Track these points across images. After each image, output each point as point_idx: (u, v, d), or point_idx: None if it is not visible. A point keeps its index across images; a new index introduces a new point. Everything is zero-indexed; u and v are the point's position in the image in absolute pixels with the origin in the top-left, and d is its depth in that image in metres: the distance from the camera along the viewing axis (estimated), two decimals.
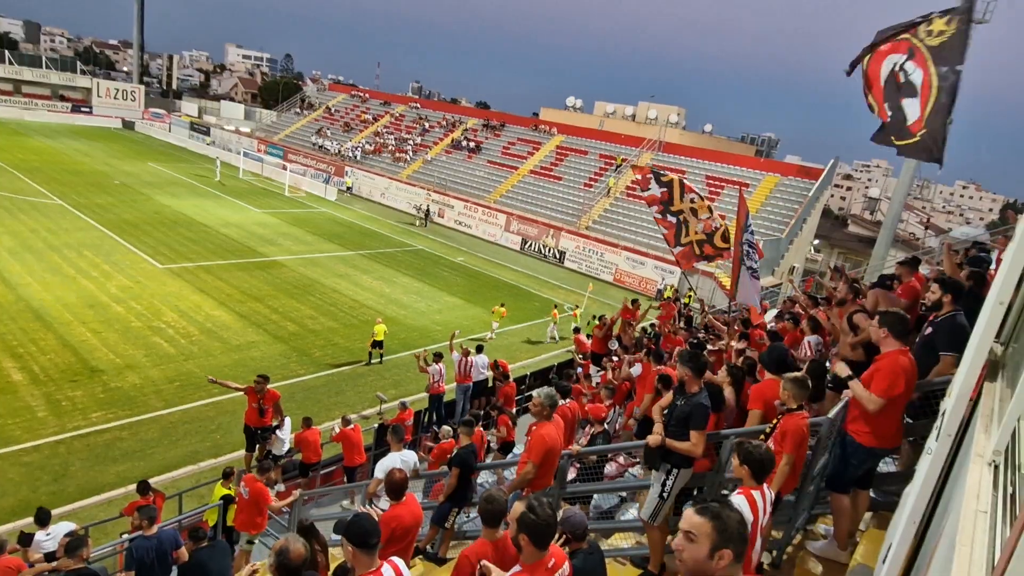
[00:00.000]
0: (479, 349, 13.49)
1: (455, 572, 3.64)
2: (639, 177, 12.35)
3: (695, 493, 5.64)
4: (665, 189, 11.79)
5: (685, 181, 11.99)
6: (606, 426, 7.94)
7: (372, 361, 16.35)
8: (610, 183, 35.54)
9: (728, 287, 11.14)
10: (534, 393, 5.39)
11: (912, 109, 5.51)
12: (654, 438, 4.58)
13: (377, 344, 16.19)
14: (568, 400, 7.34)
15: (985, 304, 2.57)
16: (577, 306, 22.90)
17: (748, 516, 3.25)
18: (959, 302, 4.65)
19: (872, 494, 5.00)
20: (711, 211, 11.66)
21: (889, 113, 5.70)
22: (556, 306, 21.27)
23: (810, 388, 4.32)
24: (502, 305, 20.54)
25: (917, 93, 5.51)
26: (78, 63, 64.88)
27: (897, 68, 5.61)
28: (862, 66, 5.90)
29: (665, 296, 23.72)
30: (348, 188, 42.49)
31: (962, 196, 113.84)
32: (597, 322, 15.31)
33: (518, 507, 2.90)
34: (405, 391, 14.45)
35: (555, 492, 6.00)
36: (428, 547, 6.42)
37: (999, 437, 2.20)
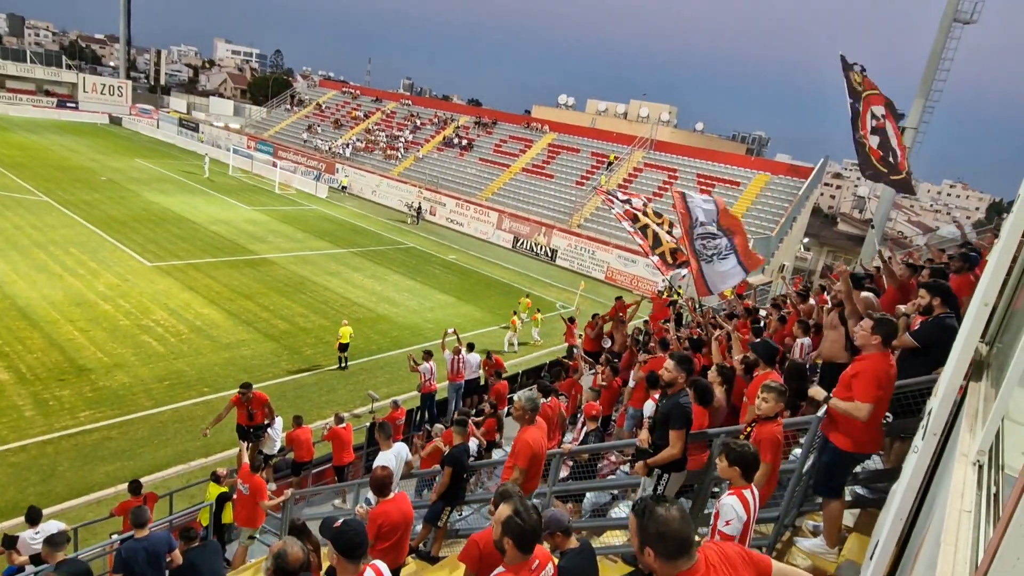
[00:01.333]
0: (470, 347, 13.49)
1: (463, 554, 3.77)
2: (604, 198, 13.52)
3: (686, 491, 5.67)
4: (627, 208, 12.69)
5: (638, 204, 12.86)
6: (599, 424, 7.98)
7: (341, 365, 15.66)
8: (602, 181, 35.59)
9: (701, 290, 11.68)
10: (515, 397, 5.34)
11: (897, 149, 6.92)
12: (641, 467, 4.67)
13: (343, 347, 15.59)
14: (549, 398, 7.44)
15: (971, 305, 2.60)
16: (539, 310, 20.91)
17: (743, 516, 3.31)
18: (948, 304, 4.74)
19: (860, 491, 5.07)
20: (671, 229, 12.51)
21: (881, 153, 6.95)
22: (515, 312, 19.67)
23: (787, 395, 4.36)
24: (527, 296, 20.39)
25: (891, 138, 7.15)
26: (63, 57, 64.03)
27: (881, 117, 6.90)
28: (858, 107, 6.94)
29: (661, 292, 23.75)
30: (344, 187, 42.11)
31: (949, 195, 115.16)
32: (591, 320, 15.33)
33: (504, 510, 2.89)
34: (398, 389, 14.43)
35: (548, 491, 6.02)
36: (421, 545, 6.43)
37: (983, 437, 2.23)
